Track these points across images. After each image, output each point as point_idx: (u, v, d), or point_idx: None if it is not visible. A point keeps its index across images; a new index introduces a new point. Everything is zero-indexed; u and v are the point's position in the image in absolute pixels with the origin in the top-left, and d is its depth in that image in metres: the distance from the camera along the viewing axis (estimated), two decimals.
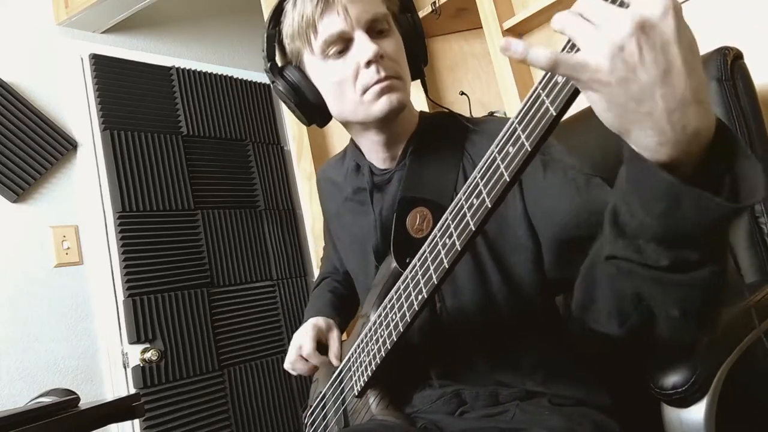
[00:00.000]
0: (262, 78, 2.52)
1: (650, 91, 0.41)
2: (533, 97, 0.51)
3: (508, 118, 0.57)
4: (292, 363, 0.96)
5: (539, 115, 0.50)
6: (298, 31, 0.80)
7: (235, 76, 2.40)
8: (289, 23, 0.82)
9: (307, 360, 0.94)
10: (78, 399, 0.59)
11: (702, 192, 0.43)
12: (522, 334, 0.80)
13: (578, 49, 0.43)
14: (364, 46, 0.76)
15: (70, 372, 1.76)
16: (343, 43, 0.78)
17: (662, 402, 0.63)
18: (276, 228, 2.36)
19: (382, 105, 0.79)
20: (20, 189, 1.75)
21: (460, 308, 0.82)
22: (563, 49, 0.46)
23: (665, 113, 0.42)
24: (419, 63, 0.88)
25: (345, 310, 1.10)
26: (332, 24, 0.77)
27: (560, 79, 0.48)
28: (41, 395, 0.63)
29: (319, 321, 0.99)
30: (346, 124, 0.89)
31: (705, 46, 0.94)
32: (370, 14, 0.78)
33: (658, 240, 0.48)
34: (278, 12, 0.84)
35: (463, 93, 1.83)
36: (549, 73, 0.49)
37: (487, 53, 1.72)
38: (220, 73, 2.34)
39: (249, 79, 2.46)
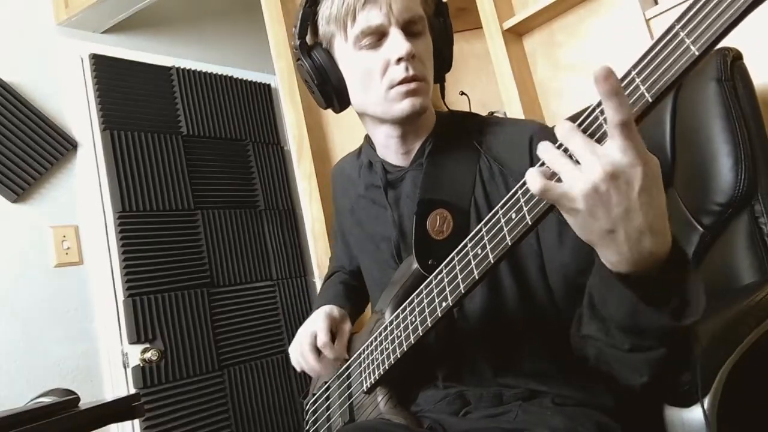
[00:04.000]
0: (262, 78, 2.52)
1: (614, 224, 0.50)
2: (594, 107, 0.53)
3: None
4: (302, 355, 0.93)
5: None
6: (336, 16, 0.80)
7: (235, 76, 2.40)
8: (329, 5, 0.81)
9: (319, 354, 0.92)
10: (78, 399, 0.59)
11: (653, 310, 0.52)
12: (528, 339, 0.81)
13: (559, 179, 0.52)
14: (398, 43, 0.77)
15: (70, 372, 1.76)
16: (377, 36, 0.79)
17: (664, 402, 0.63)
18: (276, 228, 2.35)
19: (404, 107, 0.80)
20: (20, 189, 1.75)
21: (473, 312, 0.82)
22: (582, 121, 0.52)
23: (625, 241, 0.51)
24: (443, 69, 0.89)
25: (356, 303, 1.09)
26: (372, 17, 0.78)
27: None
28: (41, 395, 0.63)
29: (332, 310, 0.98)
30: (363, 115, 0.90)
31: None
32: (410, 14, 0.79)
33: (622, 329, 0.57)
34: None
35: (463, 93, 1.83)
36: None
37: (487, 53, 1.71)
38: (220, 73, 2.34)
39: (249, 79, 2.46)
